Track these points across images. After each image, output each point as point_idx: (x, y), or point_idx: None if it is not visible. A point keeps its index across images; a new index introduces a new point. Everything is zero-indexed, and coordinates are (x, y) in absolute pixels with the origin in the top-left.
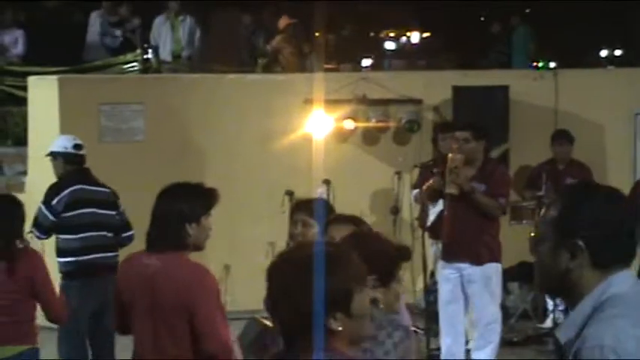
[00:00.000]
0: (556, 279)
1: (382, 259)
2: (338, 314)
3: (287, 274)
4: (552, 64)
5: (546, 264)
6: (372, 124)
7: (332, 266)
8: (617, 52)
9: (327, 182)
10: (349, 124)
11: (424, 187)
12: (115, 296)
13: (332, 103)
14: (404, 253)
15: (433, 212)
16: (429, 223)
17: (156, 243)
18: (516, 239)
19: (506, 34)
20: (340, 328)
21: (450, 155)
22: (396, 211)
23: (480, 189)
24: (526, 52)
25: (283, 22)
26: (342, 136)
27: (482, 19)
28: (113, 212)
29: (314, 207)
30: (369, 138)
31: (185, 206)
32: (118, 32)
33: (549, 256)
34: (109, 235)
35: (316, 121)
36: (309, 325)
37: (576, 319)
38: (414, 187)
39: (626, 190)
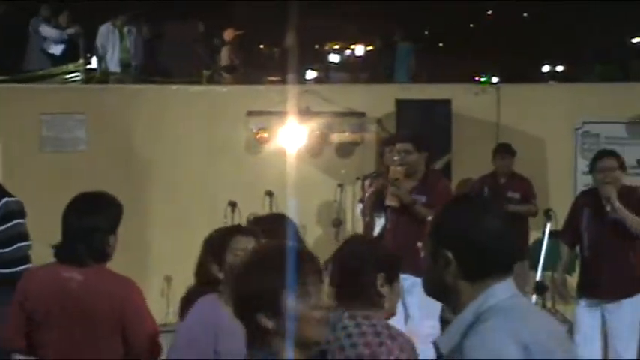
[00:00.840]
0: (437, 286)
1: (389, 259)
2: (268, 312)
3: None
4: (495, 79)
5: (428, 271)
6: (315, 136)
7: (261, 266)
8: (559, 68)
9: (269, 194)
10: (292, 137)
11: (367, 195)
12: (16, 313)
13: (275, 114)
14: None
15: (379, 225)
16: (374, 236)
17: (76, 256)
18: None
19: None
20: (270, 326)
21: (391, 168)
22: (338, 223)
23: (420, 200)
24: (407, 67)
25: (229, 34)
26: (285, 148)
27: (426, 33)
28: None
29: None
30: (313, 150)
31: (104, 217)
32: (59, 40)
33: (429, 264)
34: None
35: (261, 133)
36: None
37: (457, 329)
38: (361, 200)
39: (567, 203)
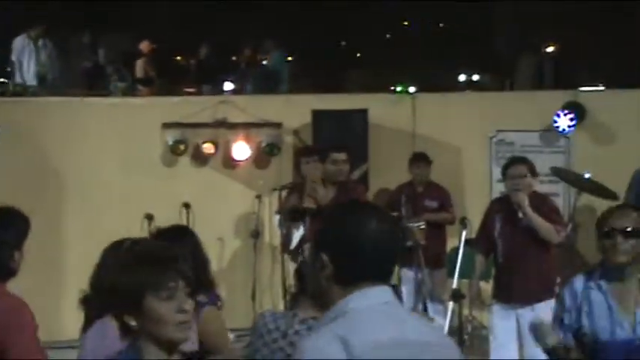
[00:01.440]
0: (314, 288)
1: None
2: (132, 313)
3: None
4: (412, 89)
5: (308, 273)
6: (233, 147)
7: (126, 267)
8: (475, 77)
9: (186, 206)
10: (209, 148)
11: (282, 207)
12: None
13: (192, 126)
14: None
15: (296, 236)
16: (291, 247)
17: None
18: None
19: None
20: (133, 324)
21: (310, 172)
22: (256, 234)
23: None
24: (283, 77)
25: (145, 46)
26: (202, 160)
27: (342, 43)
28: None
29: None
30: (230, 161)
31: (10, 232)
32: None
33: (309, 266)
34: None
35: (176, 145)
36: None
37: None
38: (278, 211)
39: (483, 211)
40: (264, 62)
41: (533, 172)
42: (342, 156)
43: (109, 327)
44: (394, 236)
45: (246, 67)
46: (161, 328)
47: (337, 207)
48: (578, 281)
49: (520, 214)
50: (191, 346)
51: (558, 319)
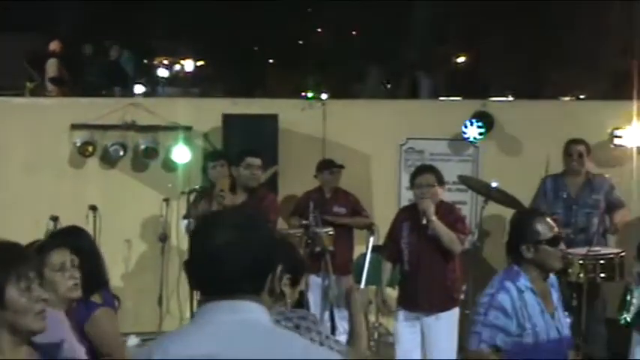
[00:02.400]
0: None
1: (297, 263)
2: None
3: None
4: (324, 96)
5: None
6: (141, 150)
7: None
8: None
9: (93, 208)
10: (117, 150)
11: (190, 211)
12: None
13: (100, 128)
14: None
15: None
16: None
17: None
18: None
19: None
20: None
21: (218, 179)
22: (164, 238)
23: None
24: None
25: (54, 45)
26: (111, 162)
27: (255, 48)
28: None
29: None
30: (138, 164)
31: None
32: None
33: None
34: None
35: (84, 146)
36: None
37: None
38: (185, 216)
39: (391, 218)
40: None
41: (441, 181)
42: (257, 161)
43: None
44: (246, 248)
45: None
46: (21, 317)
47: (202, 218)
48: (508, 285)
49: (424, 221)
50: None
51: (496, 329)
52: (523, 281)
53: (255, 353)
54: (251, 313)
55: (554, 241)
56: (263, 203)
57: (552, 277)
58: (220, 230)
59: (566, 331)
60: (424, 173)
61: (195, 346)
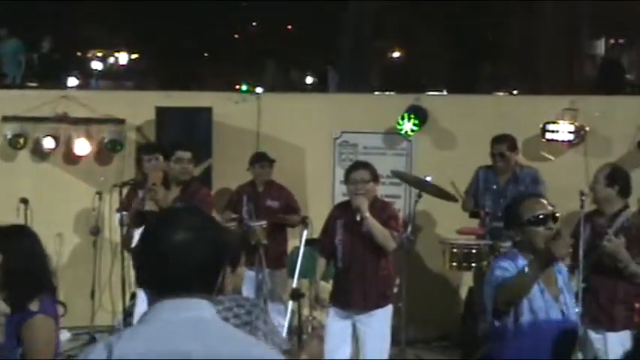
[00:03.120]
0: None
1: (234, 254)
2: None
3: None
4: (259, 89)
5: None
6: (74, 142)
7: None
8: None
9: (24, 201)
10: (49, 143)
11: (122, 205)
12: None
13: (31, 120)
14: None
15: (137, 235)
16: (132, 245)
17: None
18: None
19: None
20: None
21: (150, 173)
22: (96, 231)
23: None
24: (17, 62)
25: None
26: (42, 155)
27: (190, 42)
28: None
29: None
30: (70, 157)
31: None
32: None
33: None
34: None
35: (15, 139)
36: None
37: None
38: (119, 210)
39: (325, 211)
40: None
41: (375, 177)
42: (187, 154)
43: None
44: (199, 248)
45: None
46: None
47: (154, 215)
48: (505, 263)
49: (358, 218)
50: None
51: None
52: (521, 262)
53: (206, 351)
54: (203, 311)
55: (536, 221)
56: (196, 197)
57: (562, 266)
58: (174, 230)
59: (573, 316)
60: (358, 169)
61: (149, 344)
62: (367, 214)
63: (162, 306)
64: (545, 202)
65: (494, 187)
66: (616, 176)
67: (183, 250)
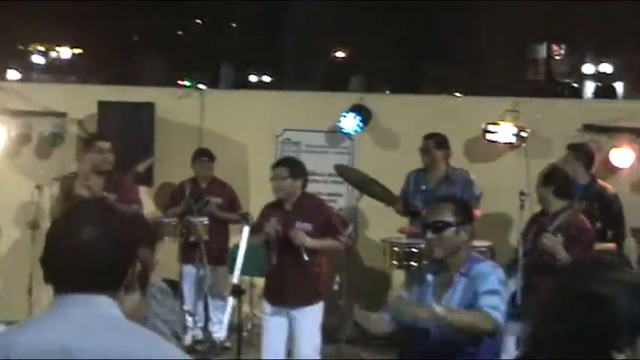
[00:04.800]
0: None
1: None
2: None
3: None
4: (202, 86)
5: None
6: (13, 135)
7: None
8: (266, 79)
9: None
10: None
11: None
12: None
13: None
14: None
15: None
16: None
17: None
18: (161, 256)
19: None
20: None
21: (85, 157)
22: (35, 225)
23: (112, 198)
24: None
25: None
26: None
27: (135, 38)
28: None
29: None
30: (9, 150)
31: None
32: None
33: None
34: None
35: None
36: None
37: None
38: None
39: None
40: None
41: (296, 175)
42: (107, 145)
43: None
44: (102, 246)
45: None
46: None
47: (62, 212)
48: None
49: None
50: None
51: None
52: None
53: (106, 349)
54: (105, 308)
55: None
56: (121, 186)
57: (484, 269)
58: (80, 226)
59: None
60: (277, 166)
61: (47, 337)
62: (309, 244)
63: (64, 301)
64: (438, 209)
65: (424, 187)
66: (552, 176)
67: (88, 246)
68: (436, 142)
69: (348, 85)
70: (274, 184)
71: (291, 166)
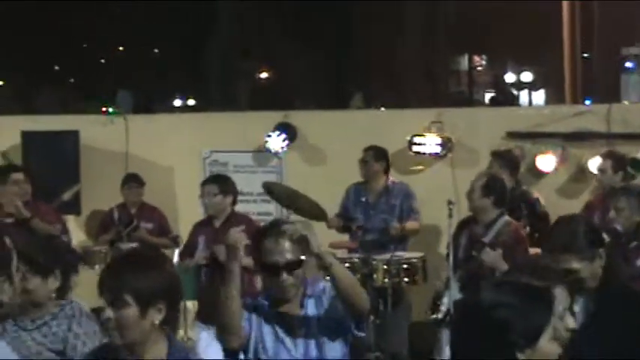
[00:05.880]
0: None
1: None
2: None
3: None
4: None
5: None
6: None
7: None
8: (191, 102)
9: None
10: None
11: None
12: None
13: None
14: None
15: None
16: None
17: None
18: (87, 285)
19: None
20: None
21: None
22: None
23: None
24: None
25: None
26: None
27: (56, 68)
28: None
29: None
30: None
31: None
32: None
33: None
34: None
35: None
36: None
37: None
38: None
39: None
40: None
41: (226, 191)
42: (20, 175)
43: None
44: None
45: None
46: None
47: None
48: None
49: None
50: None
51: None
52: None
53: None
54: None
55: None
56: (39, 214)
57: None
58: None
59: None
60: (207, 183)
61: None
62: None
63: None
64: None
65: (364, 199)
66: (492, 187)
67: None
68: (375, 154)
69: (350, 101)
70: (204, 201)
71: (220, 183)
